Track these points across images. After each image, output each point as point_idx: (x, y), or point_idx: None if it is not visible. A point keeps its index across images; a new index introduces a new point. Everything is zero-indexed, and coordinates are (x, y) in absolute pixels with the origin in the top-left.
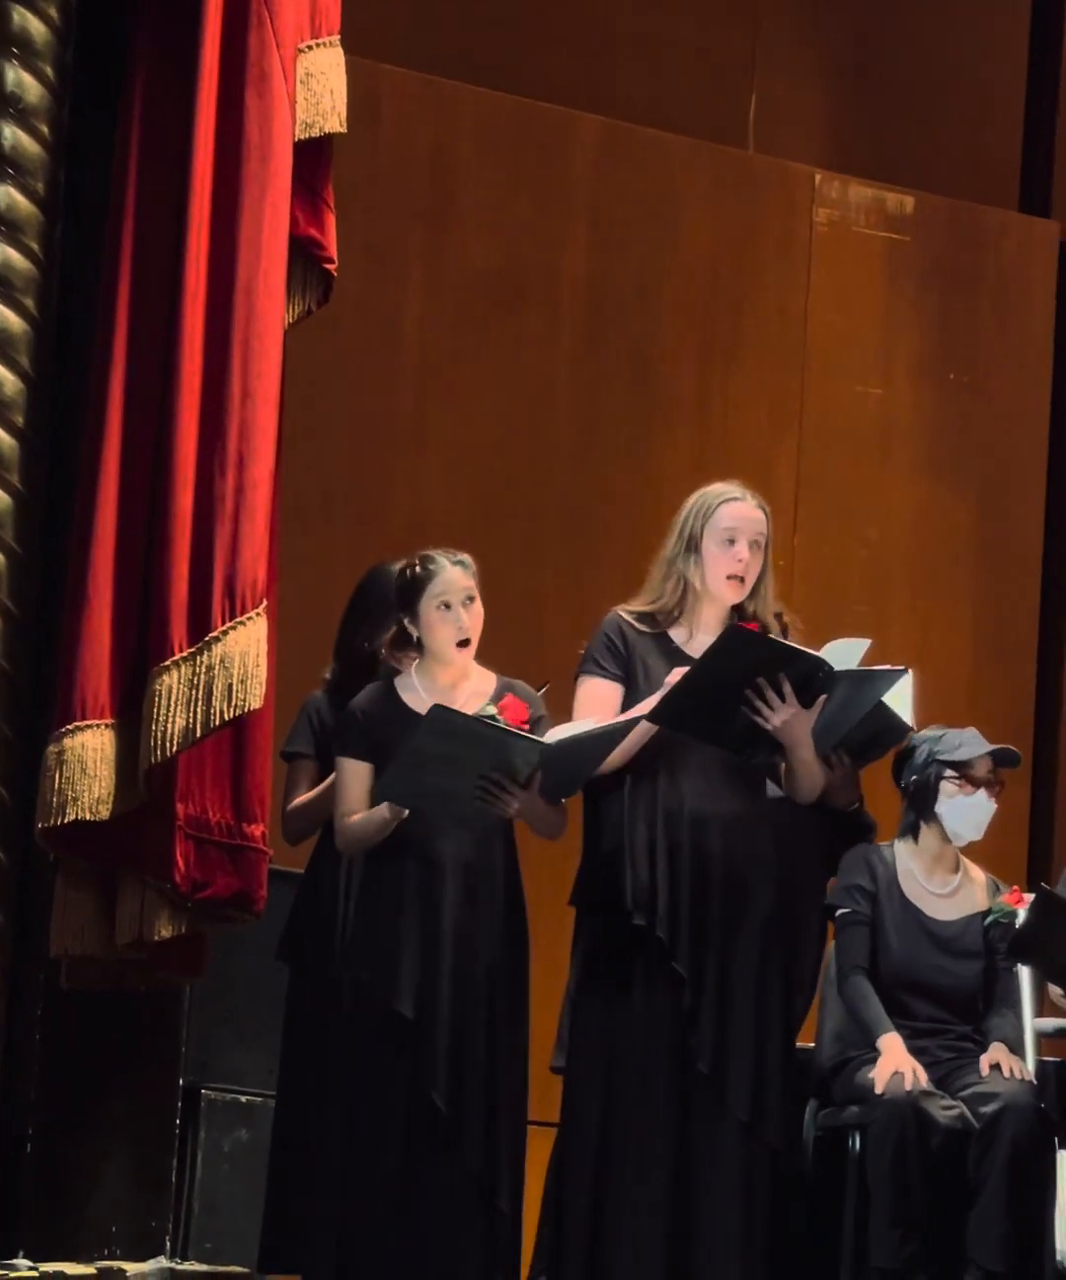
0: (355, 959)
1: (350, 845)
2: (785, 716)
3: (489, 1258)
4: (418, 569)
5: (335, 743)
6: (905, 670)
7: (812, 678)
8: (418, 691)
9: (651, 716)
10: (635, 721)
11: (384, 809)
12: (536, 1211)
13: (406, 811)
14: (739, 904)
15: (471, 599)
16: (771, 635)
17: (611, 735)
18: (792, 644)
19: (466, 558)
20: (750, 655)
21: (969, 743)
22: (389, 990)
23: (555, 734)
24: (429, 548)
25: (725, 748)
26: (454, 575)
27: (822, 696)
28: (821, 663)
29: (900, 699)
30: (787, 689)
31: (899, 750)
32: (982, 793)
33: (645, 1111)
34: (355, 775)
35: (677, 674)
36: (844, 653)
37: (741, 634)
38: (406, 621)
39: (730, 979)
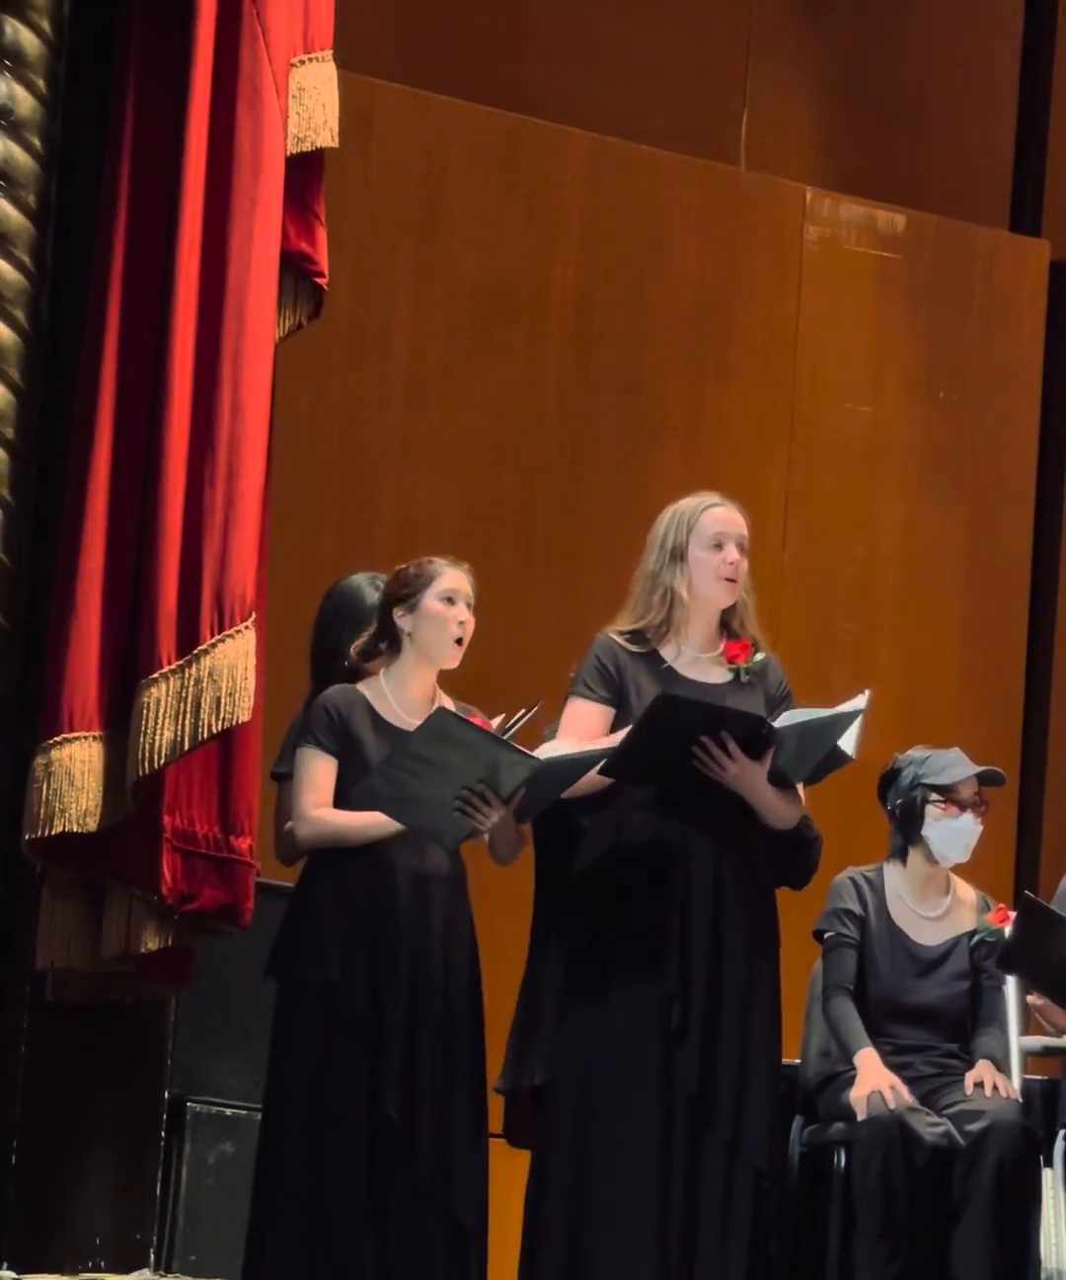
0: (313, 965)
1: (317, 841)
2: (735, 772)
3: (454, 1272)
4: (418, 568)
5: (302, 734)
6: (861, 708)
7: (757, 733)
8: (387, 699)
9: (603, 770)
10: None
11: (385, 820)
12: (505, 1228)
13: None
14: (725, 924)
15: (471, 603)
16: (747, 665)
17: (586, 762)
18: (725, 705)
19: (467, 567)
20: (687, 717)
21: (953, 765)
22: (351, 997)
23: (544, 752)
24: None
25: (685, 793)
26: (459, 575)
27: (772, 749)
28: (761, 720)
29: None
30: (733, 746)
31: (883, 773)
32: (968, 815)
33: (629, 1133)
34: (323, 769)
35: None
36: (842, 721)
37: (672, 701)
38: (398, 616)
39: (719, 999)
